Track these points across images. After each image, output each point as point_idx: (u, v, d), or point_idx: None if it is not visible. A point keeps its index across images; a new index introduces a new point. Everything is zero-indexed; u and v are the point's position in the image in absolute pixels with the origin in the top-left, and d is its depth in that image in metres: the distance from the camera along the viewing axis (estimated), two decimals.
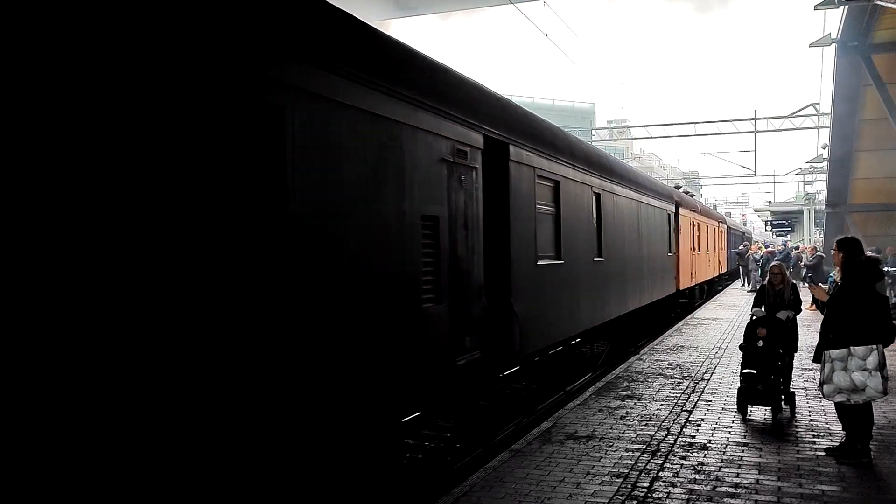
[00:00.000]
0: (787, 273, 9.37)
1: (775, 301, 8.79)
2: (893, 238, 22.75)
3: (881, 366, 6.52)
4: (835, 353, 6.65)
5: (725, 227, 36.81)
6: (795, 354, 8.99)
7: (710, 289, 29.89)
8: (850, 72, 19.59)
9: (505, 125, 8.04)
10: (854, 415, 6.71)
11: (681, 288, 20.38)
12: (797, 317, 8.90)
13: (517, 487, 5.97)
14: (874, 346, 6.53)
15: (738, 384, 8.58)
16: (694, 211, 23.78)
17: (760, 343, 8.38)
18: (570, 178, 10.33)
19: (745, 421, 8.05)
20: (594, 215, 11.81)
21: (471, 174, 7.08)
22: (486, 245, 7.50)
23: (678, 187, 26.85)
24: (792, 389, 8.76)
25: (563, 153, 10.12)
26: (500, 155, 7.87)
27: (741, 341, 8.78)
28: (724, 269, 35.30)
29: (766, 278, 9.30)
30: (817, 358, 6.88)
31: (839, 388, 6.62)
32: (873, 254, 7.27)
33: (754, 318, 8.73)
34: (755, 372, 8.25)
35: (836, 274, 7.17)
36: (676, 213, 19.84)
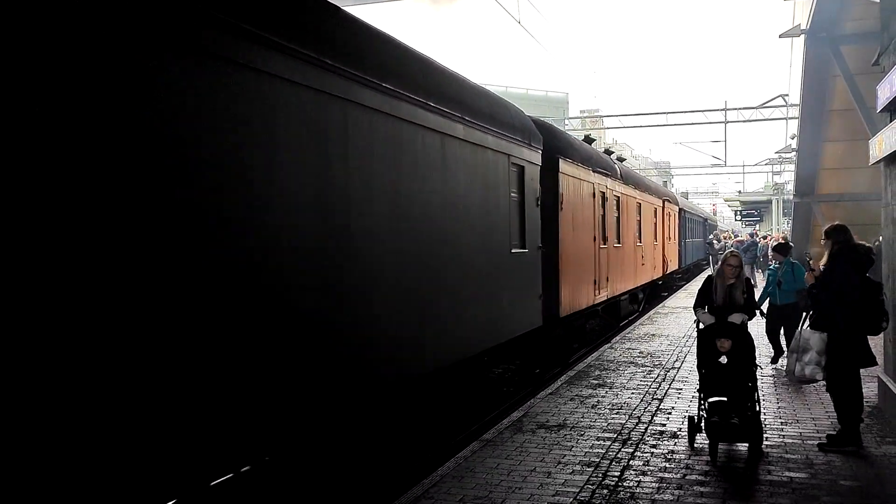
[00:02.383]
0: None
1: (726, 300, 6.90)
2: (860, 227, 23.07)
3: (801, 350, 6.88)
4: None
5: (677, 209, 27.34)
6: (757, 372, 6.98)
7: (650, 296, 21.70)
8: (819, 62, 19.74)
9: None
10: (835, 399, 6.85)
11: (567, 312, 11.47)
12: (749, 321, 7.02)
13: (488, 478, 5.93)
14: (803, 330, 6.95)
15: (697, 415, 6.79)
16: (604, 174, 14.19)
17: (724, 359, 6.66)
18: None
19: (716, 464, 6.18)
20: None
21: None
22: None
23: (589, 140, 15.86)
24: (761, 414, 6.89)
25: None
26: None
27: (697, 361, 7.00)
28: (676, 267, 26.80)
29: (716, 269, 7.36)
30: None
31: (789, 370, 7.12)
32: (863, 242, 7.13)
33: (702, 325, 6.96)
34: (726, 400, 6.50)
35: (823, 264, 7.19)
36: (554, 171, 10.96)
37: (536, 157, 10.31)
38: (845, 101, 19.39)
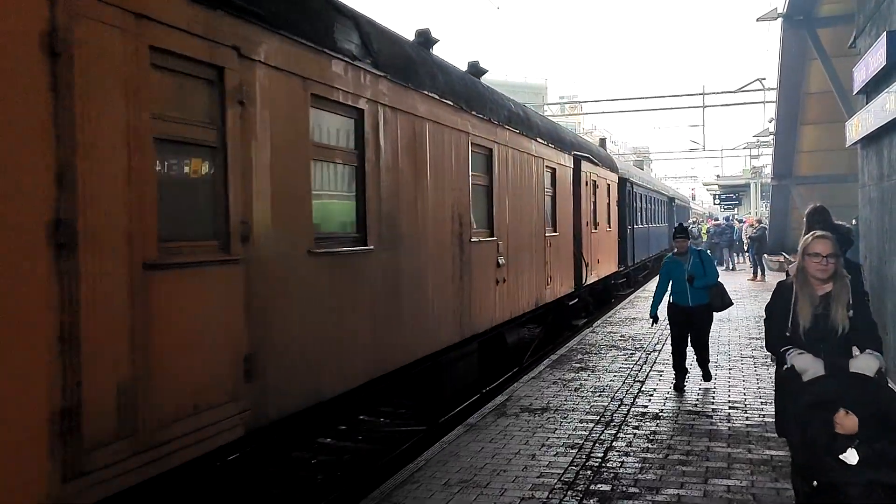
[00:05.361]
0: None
1: (818, 319, 3.78)
2: (838, 209, 23.31)
3: None
4: None
5: (614, 178, 17.27)
6: None
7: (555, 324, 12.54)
8: (796, 46, 19.91)
9: None
10: None
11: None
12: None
13: (472, 461, 5.95)
14: None
15: None
16: (300, 41, 4.81)
17: (852, 456, 3.32)
18: None
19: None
20: None
21: None
22: None
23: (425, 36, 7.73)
24: None
25: None
26: None
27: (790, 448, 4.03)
28: (615, 268, 17.11)
29: (793, 268, 4.02)
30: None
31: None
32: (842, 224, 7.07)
33: (804, 371, 3.64)
34: None
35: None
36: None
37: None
38: (822, 83, 19.57)
